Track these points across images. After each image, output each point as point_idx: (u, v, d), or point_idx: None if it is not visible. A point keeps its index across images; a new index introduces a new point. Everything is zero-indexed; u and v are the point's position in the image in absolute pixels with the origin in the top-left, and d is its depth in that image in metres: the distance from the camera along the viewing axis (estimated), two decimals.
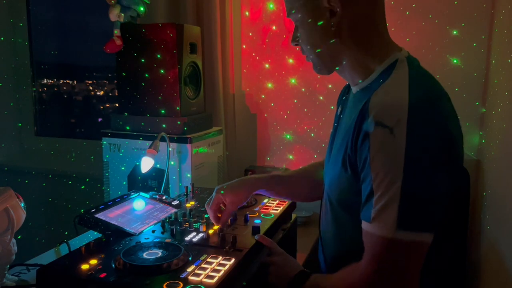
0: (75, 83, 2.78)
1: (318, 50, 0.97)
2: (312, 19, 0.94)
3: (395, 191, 0.77)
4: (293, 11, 0.98)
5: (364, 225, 0.83)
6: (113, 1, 1.56)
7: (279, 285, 0.97)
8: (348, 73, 0.99)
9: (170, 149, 1.50)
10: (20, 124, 2.58)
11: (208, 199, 1.08)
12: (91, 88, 2.76)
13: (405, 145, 0.76)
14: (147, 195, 1.21)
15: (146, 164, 1.45)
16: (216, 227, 1.01)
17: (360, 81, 0.96)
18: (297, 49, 1.07)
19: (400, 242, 0.77)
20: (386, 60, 0.93)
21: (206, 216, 1.07)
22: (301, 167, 1.29)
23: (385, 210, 0.78)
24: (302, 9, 0.95)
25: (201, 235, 0.96)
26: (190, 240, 0.94)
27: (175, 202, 1.18)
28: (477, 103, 1.65)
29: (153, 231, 0.99)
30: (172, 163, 1.52)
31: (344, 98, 1.10)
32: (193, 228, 1.01)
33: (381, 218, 0.78)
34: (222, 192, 1.07)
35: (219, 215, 1.05)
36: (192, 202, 1.21)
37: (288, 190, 1.19)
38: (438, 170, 0.79)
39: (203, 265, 0.81)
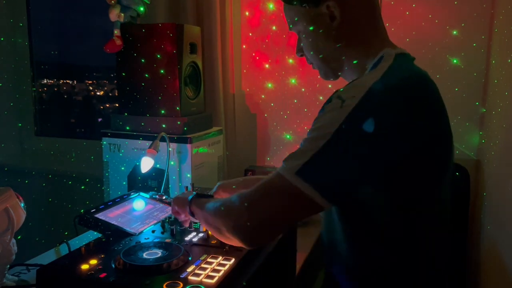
0: (75, 83, 2.78)
1: (321, 56, 1.00)
2: (314, 26, 0.97)
3: (315, 146, 0.79)
4: (295, 24, 1.02)
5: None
6: (113, 1, 1.56)
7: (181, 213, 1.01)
8: (349, 74, 1.02)
9: (170, 149, 1.50)
10: (20, 124, 2.58)
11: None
12: (91, 88, 2.76)
13: (345, 116, 0.78)
14: (147, 195, 1.21)
15: (146, 164, 1.45)
16: None
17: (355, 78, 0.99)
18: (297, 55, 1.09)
19: (290, 186, 0.78)
20: (376, 56, 0.95)
21: None
22: None
23: (297, 155, 0.80)
24: (303, 19, 0.99)
25: (201, 235, 0.96)
26: (190, 240, 0.94)
27: None
28: (477, 103, 1.65)
29: (153, 231, 0.99)
30: (172, 163, 1.52)
31: None
32: (193, 228, 1.01)
33: (291, 161, 0.80)
34: (222, 189, 1.11)
35: None
36: None
37: None
38: (367, 149, 0.79)
39: (203, 265, 0.81)
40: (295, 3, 0.99)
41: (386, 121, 0.79)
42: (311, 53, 1.02)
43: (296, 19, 1.01)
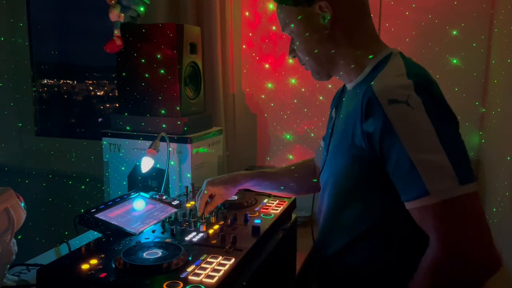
0: (75, 83, 2.78)
1: (314, 56, 1.02)
2: (307, 26, 0.99)
3: (439, 152, 0.78)
4: (287, 25, 1.02)
5: (417, 202, 0.80)
6: (113, 1, 1.56)
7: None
8: (344, 72, 1.03)
9: (170, 149, 1.50)
10: (20, 124, 2.58)
11: (199, 191, 1.13)
12: (91, 88, 2.76)
13: (425, 110, 0.79)
14: (147, 195, 1.21)
15: (146, 164, 1.45)
16: (216, 227, 1.01)
17: (354, 79, 1.01)
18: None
19: (465, 197, 0.77)
20: (378, 54, 0.97)
21: (206, 216, 1.08)
22: (285, 165, 1.38)
23: (439, 174, 0.78)
24: (296, 19, 1.00)
25: (201, 235, 0.96)
26: (190, 240, 0.94)
27: (175, 202, 1.18)
28: (477, 103, 1.65)
29: (153, 231, 0.99)
30: (172, 163, 1.52)
31: (338, 101, 1.12)
32: (193, 228, 1.01)
33: (440, 183, 0.78)
34: (211, 185, 1.12)
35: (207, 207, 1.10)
36: (192, 202, 1.21)
37: (274, 185, 1.25)
38: (455, 126, 0.85)
39: (203, 265, 0.81)
40: (285, 3, 1.00)
41: (446, 104, 0.85)
42: (304, 53, 1.03)
43: (288, 20, 1.02)
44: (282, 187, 1.25)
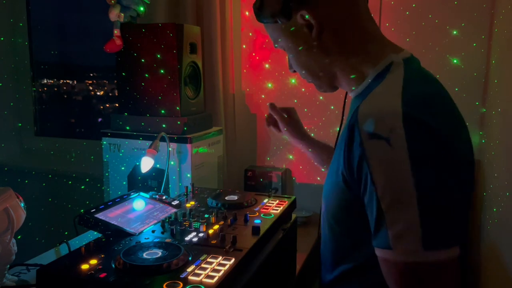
0: (75, 83, 2.78)
1: (308, 70, 0.96)
2: (294, 40, 0.93)
3: (410, 207, 0.68)
4: (276, 41, 0.98)
5: (382, 252, 0.73)
6: (113, 1, 1.56)
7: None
8: (344, 82, 0.96)
9: (170, 149, 1.50)
10: (20, 124, 2.58)
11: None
12: (91, 88, 2.76)
13: (408, 155, 0.68)
14: (147, 195, 1.21)
15: (146, 164, 1.45)
16: (216, 227, 1.01)
17: (354, 88, 0.93)
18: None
19: (431, 263, 0.68)
20: (380, 62, 0.87)
21: (206, 216, 1.07)
22: None
23: (405, 232, 0.68)
24: (281, 35, 0.95)
25: (201, 235, 0.96)
26: (190, 240, 0.94)
27: (175, 202, 1.18)
28: (477, 103, 1.65)
29: (153, 231, 0.99)
30: (172, 163, 1.52)
31: (344, 104, 1.10)
32: (193, 228, 1.01)
33: (404, 241, 0.69)
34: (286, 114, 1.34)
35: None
36: (192, 202, 1.21)
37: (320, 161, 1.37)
38: (448, 173, 0.71)
39: (203, 265, 0.81)
40: (265, 21, 0.95)
41: (442, 138, 0.72)
42: (298, 67, 0.98)
43: (275, 35, 0.97)
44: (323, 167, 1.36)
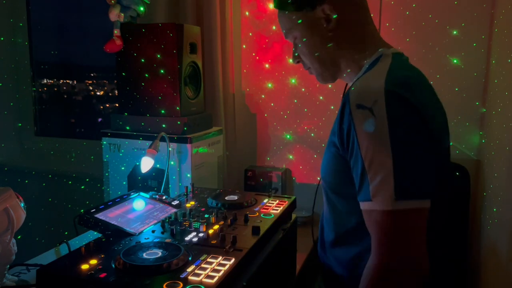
0: (75, 83, 2.78)
1: (318, 60, 1.04)
2: (310, 30, 1.01)
3: (387, 163, 0.79)
4: (290, 31, 1.04)
5: (365, 205, 0.84)
6: (113, 1, 1.56)
7: None
8: (347, 74, 1.05)
9: (170, 149, 1.50)
10: (20, 124, 2.58)
11: None
12: (91, 88, 2.76)
13: (387, 122, 0.80)
14: (147, 195, 1.21)
15: (146, 164, 1.45)
16: (216, 227, 1.01)
17: (355, 78, 1.02)
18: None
19: (402, 212, 0.79)
20: (373, 55, 0.98)
21: (206, 216, 1.07)
22: None
23: (382, 185, 0.80)
24: (299, 25, 1.02)
25: (201, 235, 0.96)
26: (190, 240, 0.94)
27: (175, 202, 1.18)
28: (477, 103, 1.65)
29: (153, 231, 0.99)
30: (172, 163, 1.52)
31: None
32: (193, 228, 1.01)
33: (380, 193, 0.80)
34: None
35: None
36: (192, 202, 1.21)
37: None
38: (422, 137, 0.83)
39: (203, 265, 0.81)
40: (288, 8, 1.02)
41: (420, 115, 0.82)
42: (309, 57, 1.05)
43: (291, 25, 1.03)
44: None
